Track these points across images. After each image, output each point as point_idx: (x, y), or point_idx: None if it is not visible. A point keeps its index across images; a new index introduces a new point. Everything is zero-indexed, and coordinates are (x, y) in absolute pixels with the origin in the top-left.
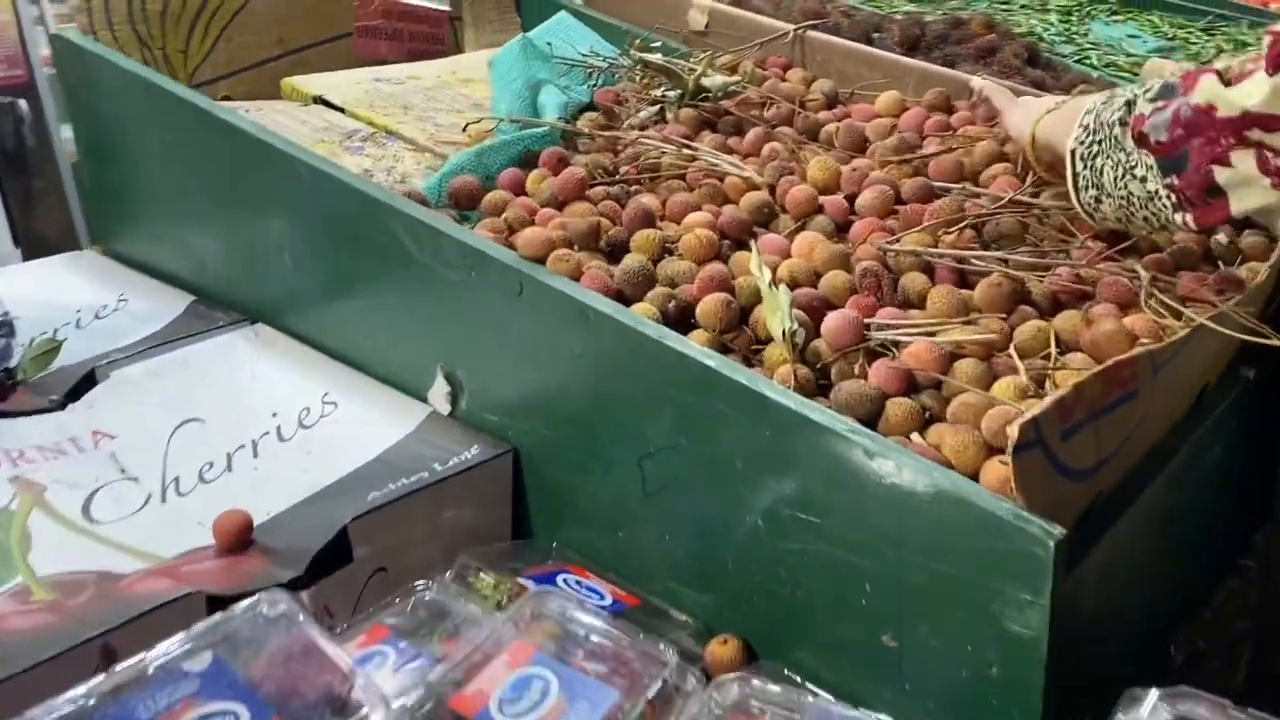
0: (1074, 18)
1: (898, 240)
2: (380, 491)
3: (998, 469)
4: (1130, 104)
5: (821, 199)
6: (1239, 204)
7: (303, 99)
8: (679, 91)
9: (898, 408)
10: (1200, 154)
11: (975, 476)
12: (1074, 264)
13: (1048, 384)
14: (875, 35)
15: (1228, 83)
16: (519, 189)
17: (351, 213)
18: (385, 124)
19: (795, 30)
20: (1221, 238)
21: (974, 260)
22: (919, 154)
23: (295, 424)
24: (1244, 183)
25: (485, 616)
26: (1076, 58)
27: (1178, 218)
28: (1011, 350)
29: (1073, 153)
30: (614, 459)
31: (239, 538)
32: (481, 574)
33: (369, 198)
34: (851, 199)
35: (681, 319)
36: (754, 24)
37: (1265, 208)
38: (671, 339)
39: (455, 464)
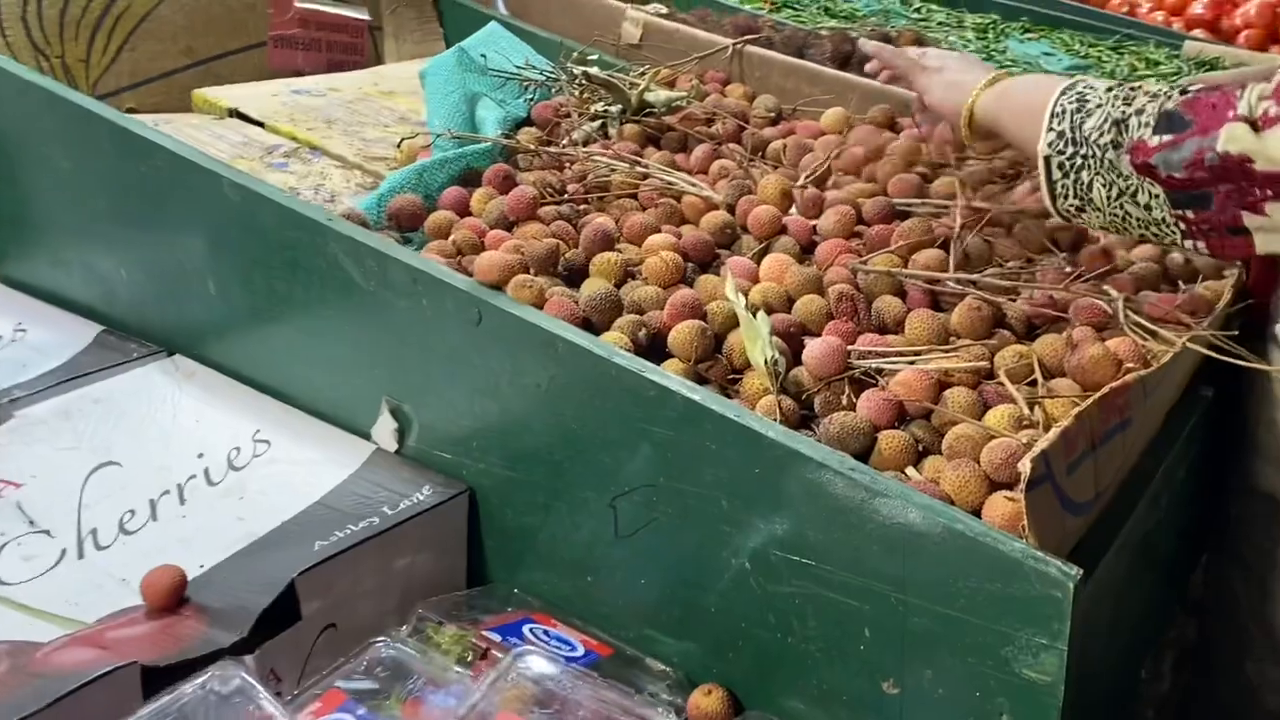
0: (990, 35)
1: (867, 262)
2: (327, 540)
3: (1003, 505)
4: (1120, 125)
5: (784, 219)
6: (1266, 246)
7: (217, 112)
8: (621, 106)
9: (891, 441)
10: (1229, 198)
11: (977, 512)
12: (1046, 287)
13: (1036, 411)
14: (807, 51)
15: (1256, 126)
16: (463, 209)
17: (286, 236)
18: (309, 139)
19: (734, 45)
20: (1178, 256)
21: (947, 282)
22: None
23: (225, 466)
24: (1276, 229)
25: (448, 674)
26: None
27: (1187, 244)
28: (1003, 377)
29: (1048, 160)
30: (583, 499)
31: (171, 597)
32: (442, 627)
33: (307, 220)
34: (812, 218)
35: (652, 347)
36: (690, 38)
37: None
38: (650, 371)
39: (407, 507)
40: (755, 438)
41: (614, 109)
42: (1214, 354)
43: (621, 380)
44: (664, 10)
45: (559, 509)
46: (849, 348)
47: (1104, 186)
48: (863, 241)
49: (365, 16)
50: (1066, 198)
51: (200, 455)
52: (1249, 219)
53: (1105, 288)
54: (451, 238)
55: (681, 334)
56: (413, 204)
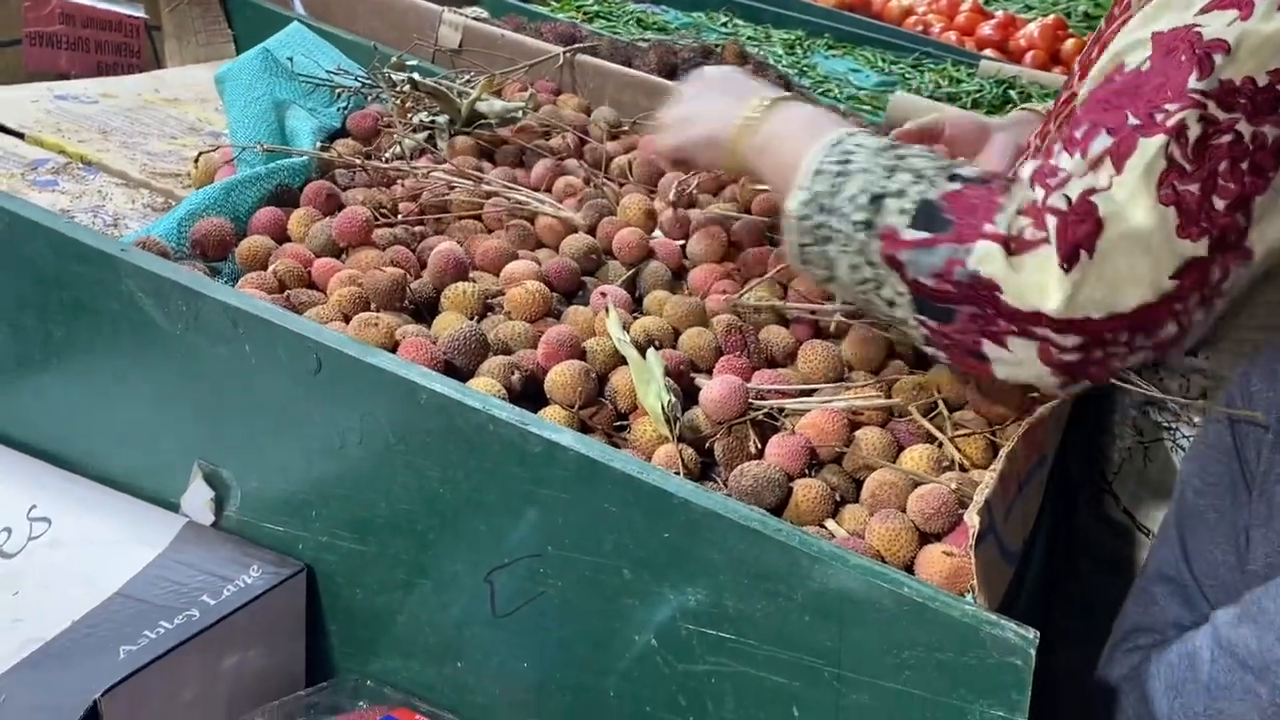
0: (798, 51)
1: (748, 292)
2: (135, 645)
3: (941, 561)
4: (878, 203)
5: (652, 242)
6: (1005, 374)
7: None
8: (449, 117)
9: (808, 492)
10: (972, 322)
11: (908, 568)
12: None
13: (945, 447)
14: (633, 62)
15: (1011, 250)
16: (280, 233)
17: (67, 270)
18: (80, 152)
19: (565, 53)
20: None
21: (828, 311)
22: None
23: None
24: (1018, 364)
25: None
26: (817, 91)
27: (929, 350)
28: (915, 415)
29: (796, 221)
30: (452, 573)
31: None
32: None
33: (95, 251)
34: (677, 239)
35: (525, 392)
36: (516, 44)
37: (1032, 383)
38: (535, 423)
39: (233, 594)
40: (663, 498)
41: (441, 119)
42: (1123, 383)
43: (500, 435)
44: (483, 15)
45: (422, 587)
46: (747, 386)
47: (849, 269)
48: (736, 266)
49: (140, 14)
50: (812, 265)
51: None
52: (990, 349)
53: None
54: (271, 268)
55: (561, 377)
56: (220, 229)
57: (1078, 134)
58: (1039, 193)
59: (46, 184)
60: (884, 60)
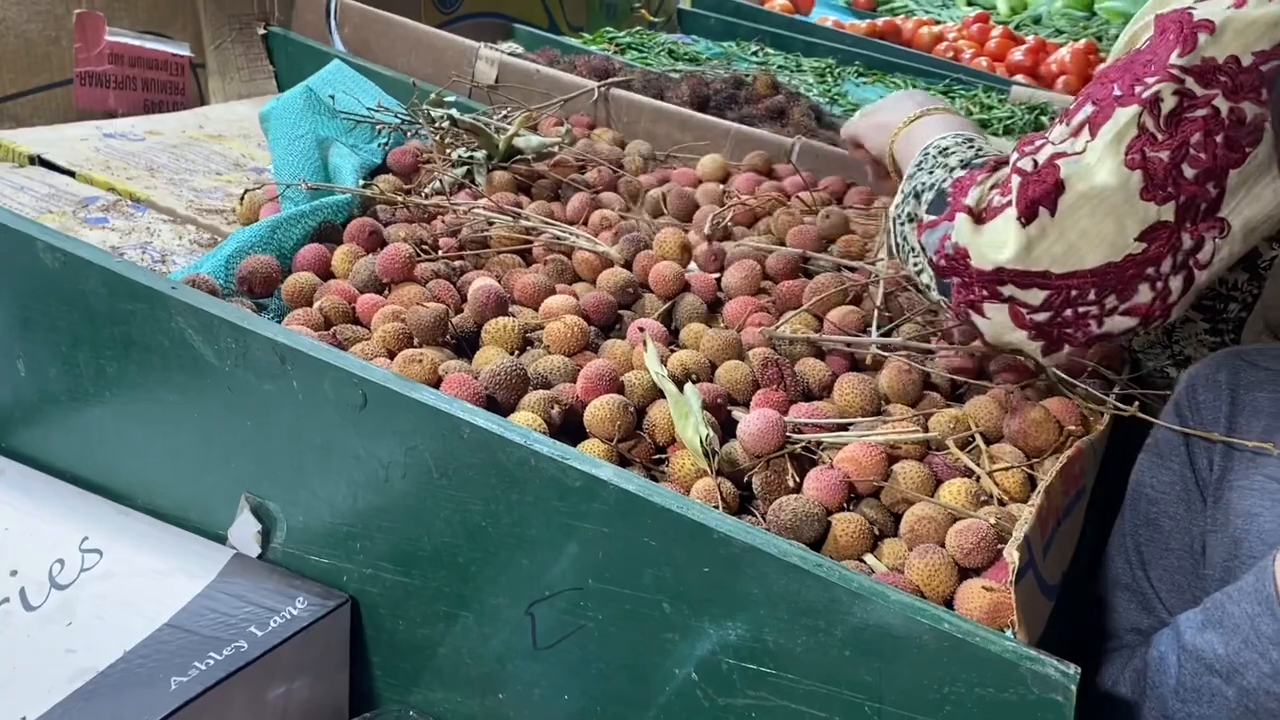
0: (829, 79)
1: (783, 323)
2: (185, 676)
3: (981, 597)
4: (917, 196)
5: (687, 276)
6: (995, 340)
7: (16, 159)
8: (486, 153)
9: (847, 526)
10: (958, 293)
11: (948, 603)
12: (963, 342)
13: (983, 481)
14: (665, 94)
15: (979, 219)
16: (324, 269)
17: (119, 308)
18: (129, 190)
19: (599, 87)
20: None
21: (866, 342)
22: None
23: (46, 584)
24: (999, 330)
25: None
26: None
27: (954, 327)
28: (952, 448)
29: (894, 221)
30: (493, 606)
31: None
32: None
33: (145, 289)
34: (712, 272)
35: (566, 426)
36: (550, 79)
37: (1020, 350)
38: (576, 458)
39: (280, 625)
40: (704, 533)
41: (479, 155)
42: (1143, 415)
43: (542, 470)
44: (518, 49)
45: (464, 619)
46: (784, 419)
47: (910, 258)
48: (771, 299)
49: (186, 52)
50: (904, 260)
51: (13, 573)
52: (976, 318)
53: None
54: (317, 304)
55: (600, 411)
56: (267, 266)
57: (1072, 106)
58: (1014, 155)
59: (97, 221)
60: (915, 87)
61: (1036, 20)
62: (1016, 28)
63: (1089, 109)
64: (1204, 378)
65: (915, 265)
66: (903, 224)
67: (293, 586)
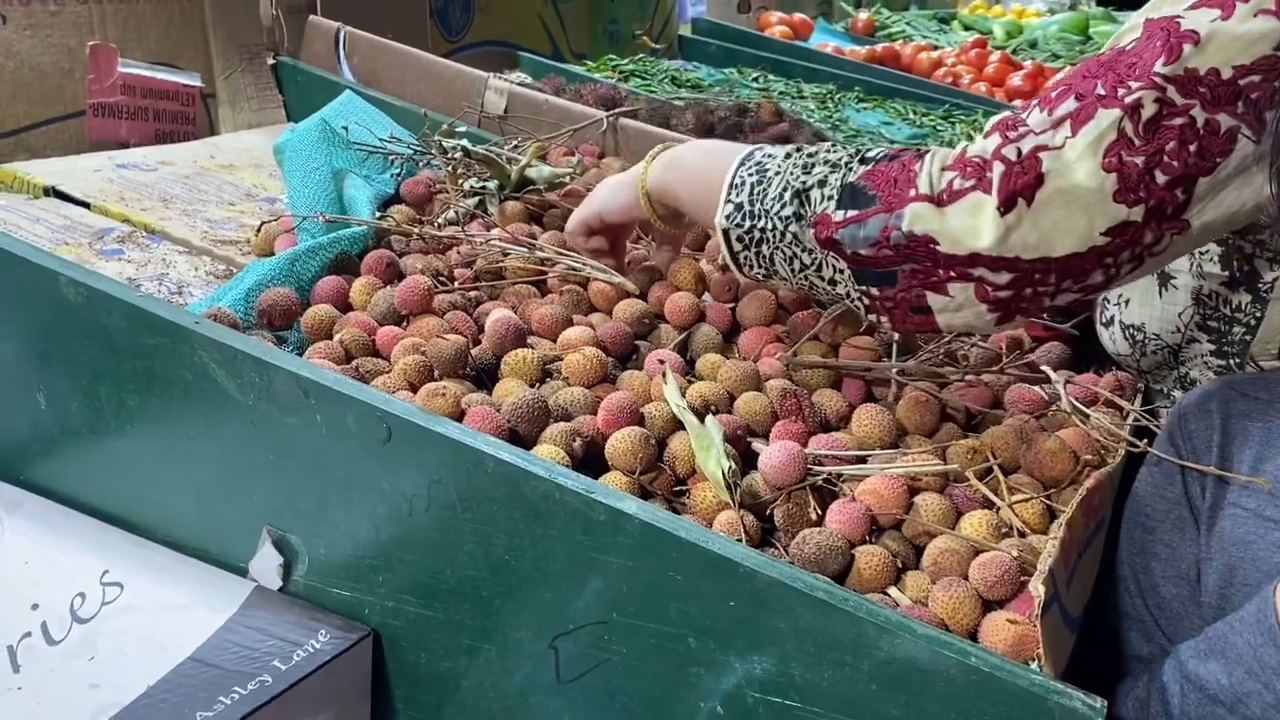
0: (830, 105)
1: (797, 353)
2: (211, 711)
3: (1006, 630)
4: (802, 196)
5: (703, 306)
6: (946, 322)
7: (30, 191)
8: (498, 183)
9: (871, 559)
10: (913, 277)
11: (972, 636)
12: (976, 370)
13: (1003, 513)
14: (670, 122)
15: (939, 203)
16: (342, 302)
17: (141, 342)
18: (144, 221)
19: (609, 116)
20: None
21: (881, 371)
22: None
23: (68, 618)
24: (958, 308)
25: None
26: (852, 145)
27: (871, 318)
28: (972, 479)
29: (726, 233)
30: (515, 640)
31: None
32: None
33: (168, 324)
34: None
35: (587, 458)
36: (560, 109)
37: (971, 327)
38: (600, 492)
39: (303, 659)
40: (729, 567)
41: (491, 185)
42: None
43: (565, 503)
44: (525, 79)
45: (487, 652)
46: (805, 451)
47: (785, 261)
48: (785, 328)
49: (197, 82)
50: (752, 266)
51: (35, 606)
52: (932, 299)
53: (1044, 369)
54: (337, 337)
55: (622, 443)
56: (287, 299)
57: (1054, 94)
58: (994, 139)
59: (113, 252)
60: (915, 112)
61: (1033, 44)
62: (1014, 52)
63: (1071, 103)
64: (1195, 407)
65: (808, 262)
66: (780, 228)
67: (314, 620)
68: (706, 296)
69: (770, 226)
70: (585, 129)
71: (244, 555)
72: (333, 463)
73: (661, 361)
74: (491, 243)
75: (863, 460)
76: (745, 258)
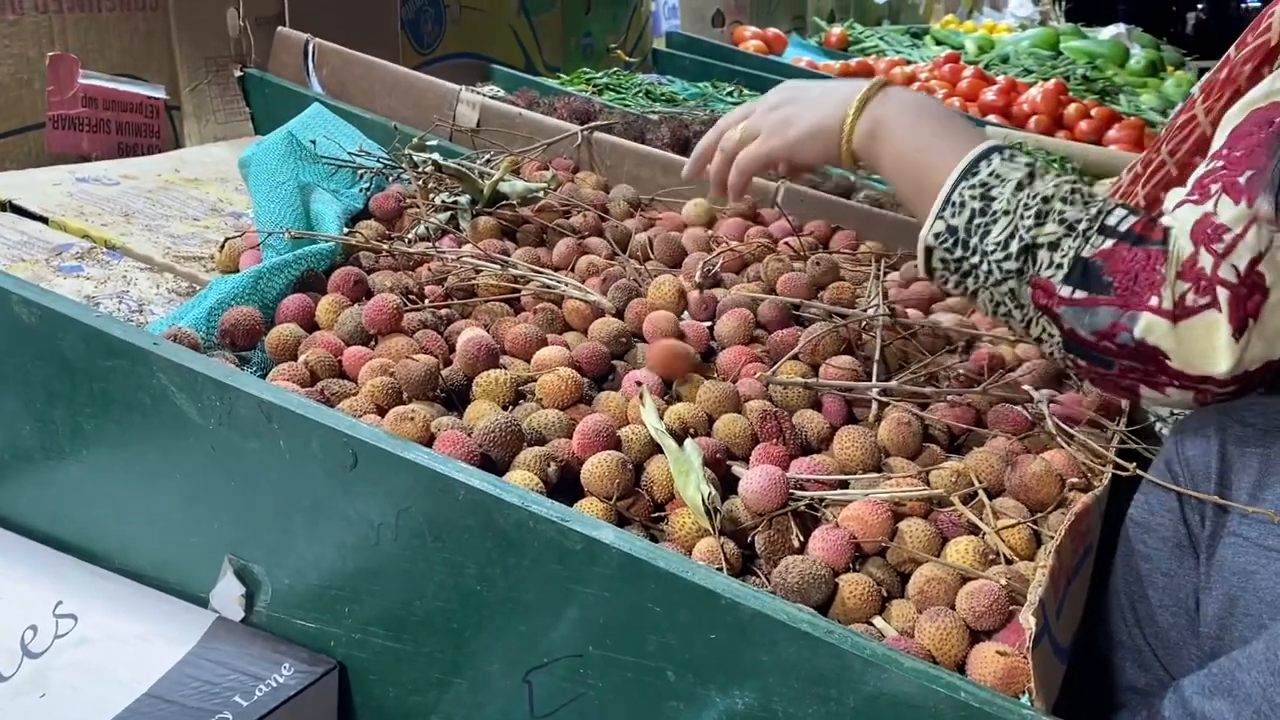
0: None
1: (776, 372)
2: None
3: (994, 661)
4: (1029, 254)
5: (681, 325)
6: (1152, 402)
7: None
8: (470, 197)
9: (855, 588)
10: (1130, 374)
11: (959, 667)
12: (959, 391)
13: (989, 538)
14: (646, 136)
15: (1174, 319)
16: (307, 320)
17: (98, 364)
18: (104, 236)
19: (583, 130)
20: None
21: (862, 390)
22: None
23: (18, 653)
24: (1169, 400)
25: None
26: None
27: (1063, 365)
28: (957, 504)
29: (930, 250)
30: (487, 673)
31: None
32: None
33: (126, 345)
34: (704, 320)
35: (562, 483)
36: (534, 123)
37: (1175, 408)
38: (576, 520)
39: (266, 694)
40: (710, 598)
41: (463, 199)
42: (1144, 474)
43: (540, 532)
44: (499, 91)
45: (458, 686)
46: (786, 475)
47: (989, 301)
48: (765, 348)
49: (161, 94)
50: (946, 283)
51: None
52: (1146, 391)
53: (1026, 388)
54: (302, 358)
55: (599, 469)
56: (250, 318)
57: (1240, 180)
58: (1205, 257)
59: (71, 269)
60: None
61: (1004, 59)
62: (986, 67)
63: (1272, 198)
64: (1193, 434)
65: (1016, 315)
66: (998, 278)
67: (278, 652)
68: (686, 315)
69: (986, 270)
70: (559, 143)
71: (205, 585)
72: (297, 490)
73: (639, 382)
74: (463, 259)
75: (845, 485)
76: (943, 276)
